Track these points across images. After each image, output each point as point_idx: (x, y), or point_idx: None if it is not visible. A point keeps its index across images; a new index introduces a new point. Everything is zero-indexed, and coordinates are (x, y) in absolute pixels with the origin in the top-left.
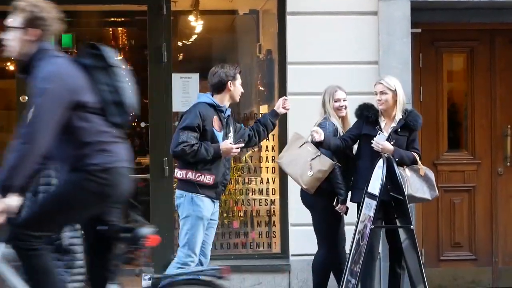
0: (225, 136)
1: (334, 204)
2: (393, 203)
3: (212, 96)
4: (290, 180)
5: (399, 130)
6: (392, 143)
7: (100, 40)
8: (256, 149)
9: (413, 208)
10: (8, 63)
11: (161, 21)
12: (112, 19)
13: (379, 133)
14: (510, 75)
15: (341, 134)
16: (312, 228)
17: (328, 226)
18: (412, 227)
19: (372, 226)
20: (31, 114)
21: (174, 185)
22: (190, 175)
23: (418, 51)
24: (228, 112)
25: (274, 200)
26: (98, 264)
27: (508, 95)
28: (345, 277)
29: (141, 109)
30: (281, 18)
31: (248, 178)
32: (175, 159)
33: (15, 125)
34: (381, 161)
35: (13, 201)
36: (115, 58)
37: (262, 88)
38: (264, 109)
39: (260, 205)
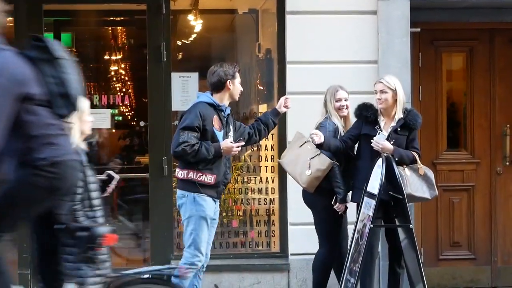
0: (225, 135)
1: (332, 203)
2: (392, 202)
3: (212, 95)
4: (289, 179)
5: (398, 129)
6: (391, 142)
7: (99, 39)
8: (255, 148)
9: (412, 208)
10: None
11: (160, 20)
12: (111, 18)
13: (379, 133)
14: (510, 74)
15: (342, 133)
16: (311, 227)
17: (329, 225)
18: (411, 226)
19: (371, 226)
20: None
21: (173, 184)
22: (192, 175)
23: (417, 50)
24: (228, 111)
25: (273, 199)
26: (49, 263)
27: (508, 94)
28: (344, 276)
29: (140, 108)
30: (281, 18)
31: (248, 177)
32: (176, 159)
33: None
34: (380, 160)
35: None
36: (61, 50)
37: (262, 87)
38: (263, 108)
39: (259, 204)
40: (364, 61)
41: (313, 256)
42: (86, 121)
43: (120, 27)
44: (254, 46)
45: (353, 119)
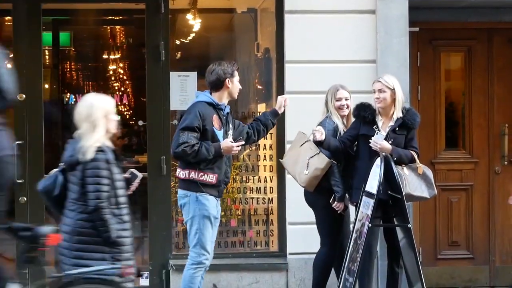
0: (225, 134)
1: (331, 201)
2: (391, 202)
3: (211, 94)
4: (288, 179)
5: (397, 129)
6: (390, 142)
7: (98, 38)
8: (254, 148)
9: (411, 207)
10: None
11: (159, 20)
12: (110, 17)
13: (377, 133)
14: (508, 74)
15: (342, 133)
16: (309, 226)
17: (329, 224)
18: (409, 226)
19: (370, 225)
20: None
21: (172, 184)
22: (193, 174)
23: (416, 50)
24: (227, 110)
25: (272, 198)
26: None
27: (506, 94)
28: (343, 275)
29: (138, 108)
30: (279, 17)
31: (246, 177)
32: (176, 159)
33: (12, 123)
34: (378, 159)
35: None
36: None
37: (260, 87)
38: (262, 107)
39: (257, 203)
40: (362, 61)
41: (311, 256)
42: (112, 119)
43: (119, 26)
44: (252, 45)
45: (354, 119)
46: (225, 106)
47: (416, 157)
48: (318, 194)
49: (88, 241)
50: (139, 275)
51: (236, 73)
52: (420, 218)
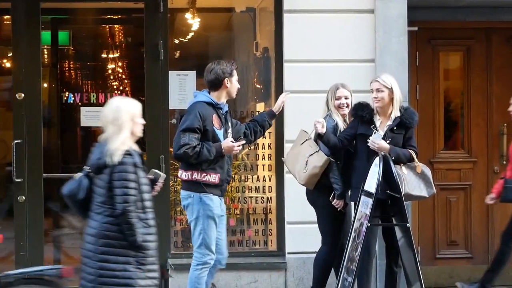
0: (225, 133)
1: (330, 199)
2: (389, 201)
3: (209, 93)
4: (286, 178)
5: (395, 128)
6: (388, 141)
7: (97, 38)
8: (252, 147)
9: (409, 206)
10: (4, 60)
11: (158, 19)
12: (109, 16)
13: (375, 132)
14: (506, 73)
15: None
16: (308, 226)
17: (330, 223)
18: (408, 225)
19: (368, 224)
20: None
21: (170, 183)
22: (196, 175)
23: (414, 49)
24: (226, 108)
25: (271, 198)
26: None
27: (504, 93)
28: (341, 275)
29: None
30: (278, 16)
31: (245, 176)
32: (177, 161)
33: (11, 122)
34: (377, 159)
35: None
36: None
37: (259, 86)
38: (260, 107)
39: (256, 203)
40: (361, 60)
41: (310, 255)
42: (138, 123)
43: (118, 25)
44: (251, 44)
45: None
46: (224, 105)
47: (414, 156)
48: (318, 192)
49: (114, 244)
50: (163, 276)
51: (235, 72)
52: (419, 217)
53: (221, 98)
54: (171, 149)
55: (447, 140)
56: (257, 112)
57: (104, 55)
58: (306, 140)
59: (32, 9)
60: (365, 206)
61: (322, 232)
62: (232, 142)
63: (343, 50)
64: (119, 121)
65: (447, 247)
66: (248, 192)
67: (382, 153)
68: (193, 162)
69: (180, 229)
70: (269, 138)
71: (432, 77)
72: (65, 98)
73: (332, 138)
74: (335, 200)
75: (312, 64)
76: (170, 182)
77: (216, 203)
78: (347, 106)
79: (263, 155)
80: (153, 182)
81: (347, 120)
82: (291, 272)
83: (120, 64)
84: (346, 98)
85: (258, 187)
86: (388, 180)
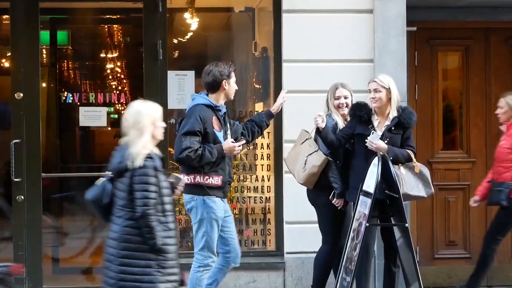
0: (225, 134)
1: (330, 198)
2: (388, 201)
3: (207, 95)
4: (285, 178)
5: (392, 128)
6: (386, 141)
7: (96, 37)
8: (251, 147)
9: (408, 206)
10: (3, 60)
11: (156, 19)
12: (108, 16)
13: (373, 132)
14: (505, 73)
15: None
16: (307, 225)
17: (330, 222)
18: (407, 225)
19: (367, 224)
20: None
21: None
22: (199, 179)
23: (413, 49)
24: (224, 110)
25: (269, 197)
26: None
27: (503, 93)
28: (340, 275)
29: None
30: (277, 16)
31: (243, 176)
32: (179, 164)
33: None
34: (376, 159)
35: None
36: None
37: (258, 86)
38: (259, 107)
39: (255, 202)
40: (360, 60)
41: (308, 255)
42: (159, 126)
43: (117, 25)
44: (250, 44)
45: None
46: (222, 107)
47: (412, 156)
48: (318, 191)
49: (135, 248)
50: (182, 284)
51: (232, 74)
52: (418, 217)
53: (219, 100)
54: (169, 149)
55: (446, 140)
56: (255, 112)
57: (103, 55)
58: (306, 139)
59: (31, 9)
60: (363, 206)
61: (322, 231)
62: (233, 142)
63: (342, 50)
64: (140, 125)
65: (445, 247)
66: (247, 192)
67: (381, 153)
68: (195, 165)
69: (179, 229)
70: (268, 138)
71: (431, 77)
72: (64, 98)
73: (330, 135)
74: (335, 199)
75: (310, 64)
76: None
77: (219, 206)
78: (347, 106)
79: (262, 155)
80: (173, 186)
81: (347, 119)
82: (290, 272)
83: (119, 64)
84: (345, 98)
85: (257, 187)
86: (387, 180)
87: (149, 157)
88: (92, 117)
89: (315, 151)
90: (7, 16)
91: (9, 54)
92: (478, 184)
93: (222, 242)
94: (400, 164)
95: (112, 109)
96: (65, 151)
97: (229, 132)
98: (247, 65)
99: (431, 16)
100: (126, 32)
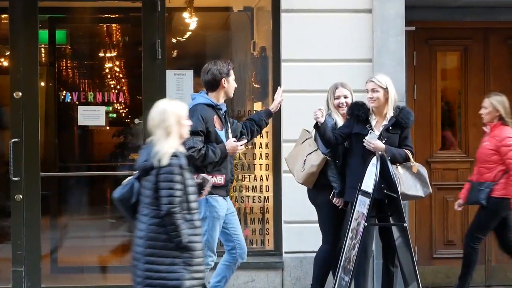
0: (226, 133)
1: (330, 197)
2: (386, 201)
3: (207, 94)
4: (284, 177)
5: (390, 128)
6: (383, 141)
7: (95, 37)
8: (250, 146)
9: (406, 206)
10: (2, 59)
11: (155, 18)
12: (107, 15)
13: (370, 132)
14: (504, 73)
15: None
16: (305, 225)
17: (330, 222)
18: (405, 225)
19: (366, 224)
20: None
21: None
22: None
23: (412, 49)
24: (225, 108)
25: (268, 197)
26: None
27: (502, 93)
28: (339, 274)
29: (135, 106)
30: (276, 16)
31: (242, 175)
32: None
33: (9, 121)
34: (374, 158)
35: None
36: None
37: (256, 85)
38: (258, 106)
39: (253, 202)
40: (358, 60)
41: (307, 254)
42: (184, 125)
43: (115, 25)
44: (249, 44)
45: None
46: (223, 105)
47: (410, 155)
48: (318, 191)
49: (161, 246)
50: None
51: (231, 72)
52: (416, 217)
53: (219, 98)
54: None
55: (444, 140)
56: (254, 112)
57: (101, 54)
58: (307, 139)
59: (30, 8)
60: (362, 205)
61: (322, 230)
62: (235, 141)
63: (341, 49)
64: (166, 124)
65: (444, 247)
66: (245, 191)
67: (380, 152)
68: (198, 165)
69: None
70: (267, 137)
71: (430, 77)
72: (63, 97)
73: (328, 131)
74: (335, 198)
75: (309, 64)
76: None
77: (222, 205)
78: (347, 105)
79: (260, 154)
80: (201, 186)
81: (342, 120)
82: (288, 271)
83: (117, 63)
84: (345, 97)
85: (255, 186)
86: (386, 180)
87: (174, 155)
88: (90, 116)
89: (314, 150)
90: (6, 15)
91: (8, 53)
92: None
93: (226, 238)
94: (398, 164)
95: (110, 108)
96: (63, 150)
97: (230, 130)
98: (246, 65)
99: (430, 16)
100: (125, 31)
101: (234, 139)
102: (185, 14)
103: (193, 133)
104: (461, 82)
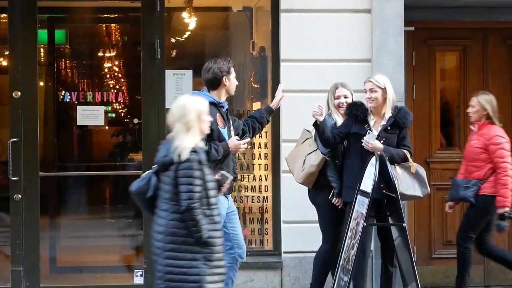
0: (228, 131)
1: (329, 197)
2: (385, 201)
3: (208, 92)
4: (282, 177)
5: (388, 128)
6: (382, 141)
7: (94, 36)
8: (249, 146)
9: (405, 206)
10: (1, 59)
11: (154, 18)
12: (106, 15)
13: (369, 132)
14: (503, 73)
15: None
16: (304, 225)
17: (330, 221)
18: (404, 225)
19: (365, 224)
20: None
21: None
22: None
23: (411, 49)
24: (227, 106)
25: (267, 197)
26: None
27: (501, 93)
28: (337, 274)
29: (134, 106)
30: (275, 16)
31: (241, 175)
32: None
33: (8, 121)
34: (373, 158)
35: None
36: None
37: (255, 85)
38: (257, 106)
39: (252, 202)
40: (358, 60)
41: (306, 254)
42: (205, 120)
43: (114, 24)
44: (248, 44)
45: None
46: (225, 103)
47: (408, 156)
48: (318, 191)
49: (181, 241)
50: None
51: (232, 69)
52: (415, 217)
53: (221, 96)
54: None
55: (444, 140)
56: (253, 111)
57: (100, 54)
58: (307, 139)
59: (29, 8)
60: (361, 205)
61: (322, 230)
62: (238, 140)
63: (340, 49)
64: (186, 119)
65: (443, 247)
66: (244, 191)
67: (379, 152)
68: None
69: None
70: (266, 137)
71: (429, 77)
72: (62, 97)
73: (327, 130)
74: (334, 198)
75: (308, 64)
76: None
77: (223, 204)
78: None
79: (260, 154)
80: (220, 183)
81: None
82: (287, 271)
83: (116, 63)
84: (345, 97)
85: (254, 186)
86: (385, 180)
87: (193, 151)
88: (89, 116)
89: (314, 150)
90: (5, 15)
91: (7, 53)
92: None
93: (225, 238)
94: (396, 164)
95: (109, 108)
96: (62, 150)
97: (232, 128)
98: (245, 65)
99: (429, 16)
100: (124, 31)
101: (237, 137)
102: (184, 14)
103: None
104: (460, 82)
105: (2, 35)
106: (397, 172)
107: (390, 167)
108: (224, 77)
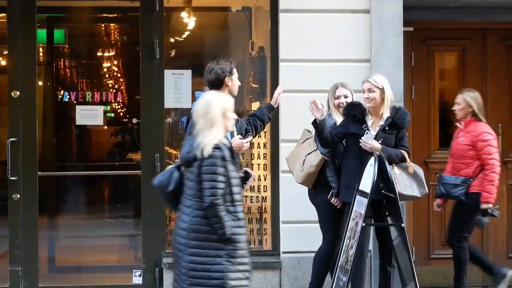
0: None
1: (328, 197)
2: (384, 201)
3: None
4: (281, 177)
5: (386, 128)
6: (380, 141)
7: (93, 36)
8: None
9: (404, 206)
10: (0, 58)
11: (153, 18)
12: (105, 15)
13: (367, 132)
14: (502, 74)
15: None
16: (303, 225)
17: (330, 221)
18: (403, 225)
19: (363, 224)
20: None
21: None
22: None
23: (410, 49)
24: None
25: (266, 197)
26: None
27: (500, 94)
28: (336, 274)
29: (133, 105)
30: (274, 16)
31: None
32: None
33: (6, 120)
34: (372, 159)
35: None
36: None
37: (255, 85)
38: (256, 106)
39: (251, 202)
40: (357, 60)
41: (305, 254)
42: (229, 118)
43: (113, 24)
44: (247, 44)
45: None
46: None
47: (406, 156)
48: (318, 191)
49: (204, 238)
50: None
51: (234, 70)
52: (414, 217)
53: None
54: (166, 148)
55: (442, 140)
56: (252, 112)
57: (99, 54)
58: (307, 139)
59: (28, 7)
60: (360, 205)
61: (322, 230)
62: (241, 139)
63: (339, 50)
64: (210, 116)
65: (441, 247)
66: (243, 191)
67: (378, 153)
68: None
69: None
70: (265, 137)
71: (428, 77)
72: (61, 97)
73: (326, 130)
74: (333, 198)
75: (307, 64)
76: None
77: None
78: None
79: (258, 154)
80: (244, 179)
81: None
82: (286, 271)
83: (115, 62)
84: (345, 97)
85: (253, 186)
86: (383, 180)
87: (217, 147)
88: (88, 115)
89: (314, 150)
90: (4, 14)
91: (5, 52)
92: None
93: None
94: (394, 164)
95: (108, 108)
96: (61, 149)
97: (235, 128)
98: (244, 65)
99: (428, 16)
100: (123, 31)
101: (240, 136)
102: (183, 14)
103: None
104: (459, 82)
105: (1, 35)
106: (395, 173)
107: (389, 168)
108: (227, 77)
